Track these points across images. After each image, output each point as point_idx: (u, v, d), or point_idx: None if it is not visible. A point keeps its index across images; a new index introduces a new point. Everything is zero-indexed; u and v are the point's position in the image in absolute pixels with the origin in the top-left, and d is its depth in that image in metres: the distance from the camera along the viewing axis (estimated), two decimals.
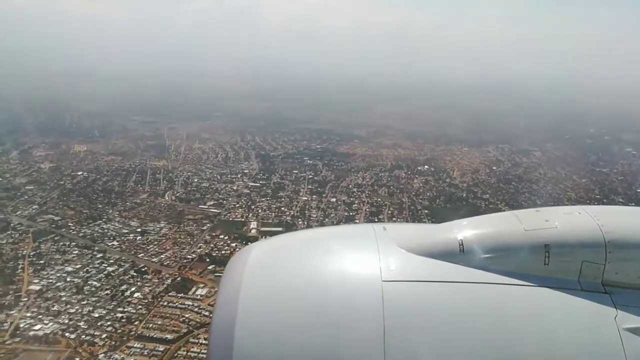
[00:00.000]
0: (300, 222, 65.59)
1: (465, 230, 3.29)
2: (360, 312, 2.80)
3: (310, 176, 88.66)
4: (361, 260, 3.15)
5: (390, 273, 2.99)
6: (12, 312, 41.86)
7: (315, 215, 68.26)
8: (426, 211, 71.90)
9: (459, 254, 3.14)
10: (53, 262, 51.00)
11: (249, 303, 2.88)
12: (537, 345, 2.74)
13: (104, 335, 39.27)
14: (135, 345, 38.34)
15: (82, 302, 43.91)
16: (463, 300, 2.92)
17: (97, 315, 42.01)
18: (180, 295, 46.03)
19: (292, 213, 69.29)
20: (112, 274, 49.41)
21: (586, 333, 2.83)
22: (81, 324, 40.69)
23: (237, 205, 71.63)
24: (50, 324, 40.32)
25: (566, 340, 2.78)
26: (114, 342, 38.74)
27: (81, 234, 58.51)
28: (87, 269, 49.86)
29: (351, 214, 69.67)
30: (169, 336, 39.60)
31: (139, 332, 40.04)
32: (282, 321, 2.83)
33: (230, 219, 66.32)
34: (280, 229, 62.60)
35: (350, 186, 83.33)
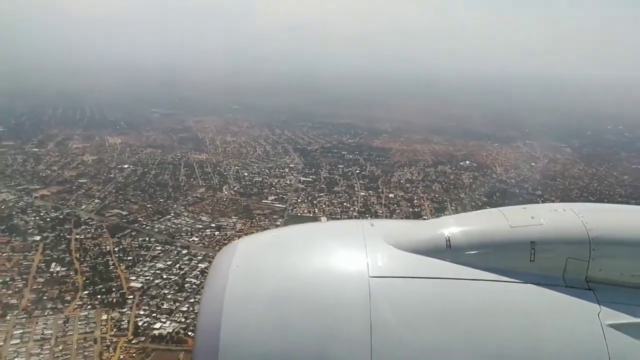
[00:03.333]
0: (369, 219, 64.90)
1: (452, 226, 3.29)
2: (347, 308, 2.78)
3: (358, 171, 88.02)
4: (348, 256, 3.13)
5: (378, 269, 2.98)
6: (124, 310, 40.63)
7: (381, 212, 67.66)
8: (488, 207, 71.63)
9: (445, 250, 3.14)
10: (141, 259, 49.68)
11: (235, 300, 2.83)
12: (522, 340, 2.76)
13: None
14: None
15: (190, 300, 42.78)
16: (449, 297, 2.93)
17: None
18: None
19: (356, 209, 68.57)
20: (207, 270, 48.11)
21: (570, 329, 2.85)
22: None
23: (299, 201, 70.69)
24: (168, 322, 39.19)
25: (550, 336, 2.79)
26: None
27: (155, 229, 57.09)
28: (179, 266, 48.63)
29: (415, 210, 69.26)
30: None
31: None
32: (268, 318, 2.79)
33: (298, 214, 65.39)
34: None
35: (401, 181, 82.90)
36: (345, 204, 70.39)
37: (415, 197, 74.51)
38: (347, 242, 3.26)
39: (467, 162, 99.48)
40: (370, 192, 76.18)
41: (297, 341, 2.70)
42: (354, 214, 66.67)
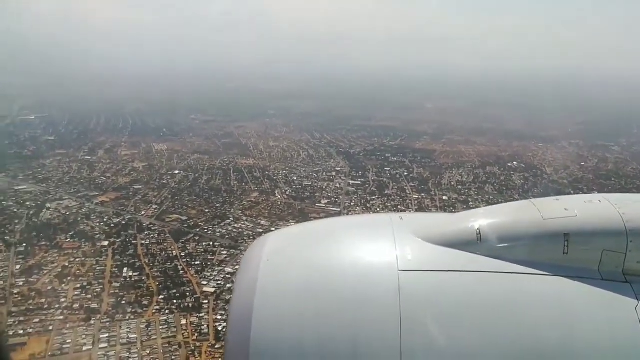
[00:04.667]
0: None
1: (482, 219, 3.23)
2: (377, 302, 2.76)
3: (406, 174, 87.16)
4: (378, 250, 3.10)
5: (407, 262, 2.95)
6: (201, 314, 40.80)
7: None
8: None
9: (476, 243, 3.08)
10: (209, 263, 49.96)
11: (266, 293, 2.83)
12: (556, 335, 2.68)
13: None
14: None
15: None
16: (480, 290, 2.87)
17: None
18: None
19: (412, 211, 67.70)
20: None
21: (606, 323, 2.77)
22: None
23: (353, 204, 70.31)
24: None
25: (585, 330, 2.73)
26: None
27: (218, 234, 57.43)
28: None
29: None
30: None
31: None
32: (299, 310, 2.78)
33: None
34: None
35: (452, 183, 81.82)
36: (399, 207, 69.67)
37: (470, 199, 73.32)
38: (376, 236, 3.24)
39: (515, 163, 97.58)
40: (422, 194, 75.28)
41: (327, 334, 2.69)
42: None
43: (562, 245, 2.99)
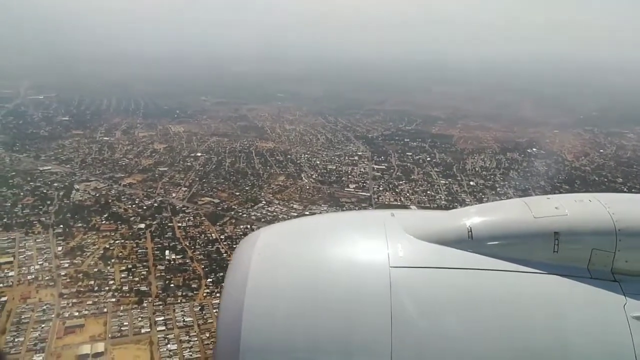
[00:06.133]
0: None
1: (474, 217, 3.22)
2: (368, 298, 2.78)
3: (428, 158, 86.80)
4: (369, 246, 3.11)
5: (398, 259, 2.96)
6: None
7: (468, 200, 66.53)
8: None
9: (467, 241, 3.09)
10: None
11: (257, 289, 2.82)
12: (546, 332, 2.71)
13: None
14: None
15: None
16: (471, 287, 2.89)
17: None
18: None
19: (442, 197, 67.62)
20: None
21: (595, 321, 2.80)
22: None
23: (381, 189, 69.98)
24: None
25: (574, 328, 2.75)
26: None
27: (253, 217, 57.02)
28: None
29: (502, 198, 67.78)
30: None
31: None
32: (290, 307, 2.77)
33: (386, 202, 64.64)
34: None
35: (476, 169, 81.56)
36: (429, 192, 69.44)
37: (497, 185, 73.18)
38: (368, 232, 3.24)
39: (534, 149, 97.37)
40: (449, 180, 74.98)
41: (318, 331, 2.67)
42: (442, 202, 65.71)
43: (553, 243, 3.00)
